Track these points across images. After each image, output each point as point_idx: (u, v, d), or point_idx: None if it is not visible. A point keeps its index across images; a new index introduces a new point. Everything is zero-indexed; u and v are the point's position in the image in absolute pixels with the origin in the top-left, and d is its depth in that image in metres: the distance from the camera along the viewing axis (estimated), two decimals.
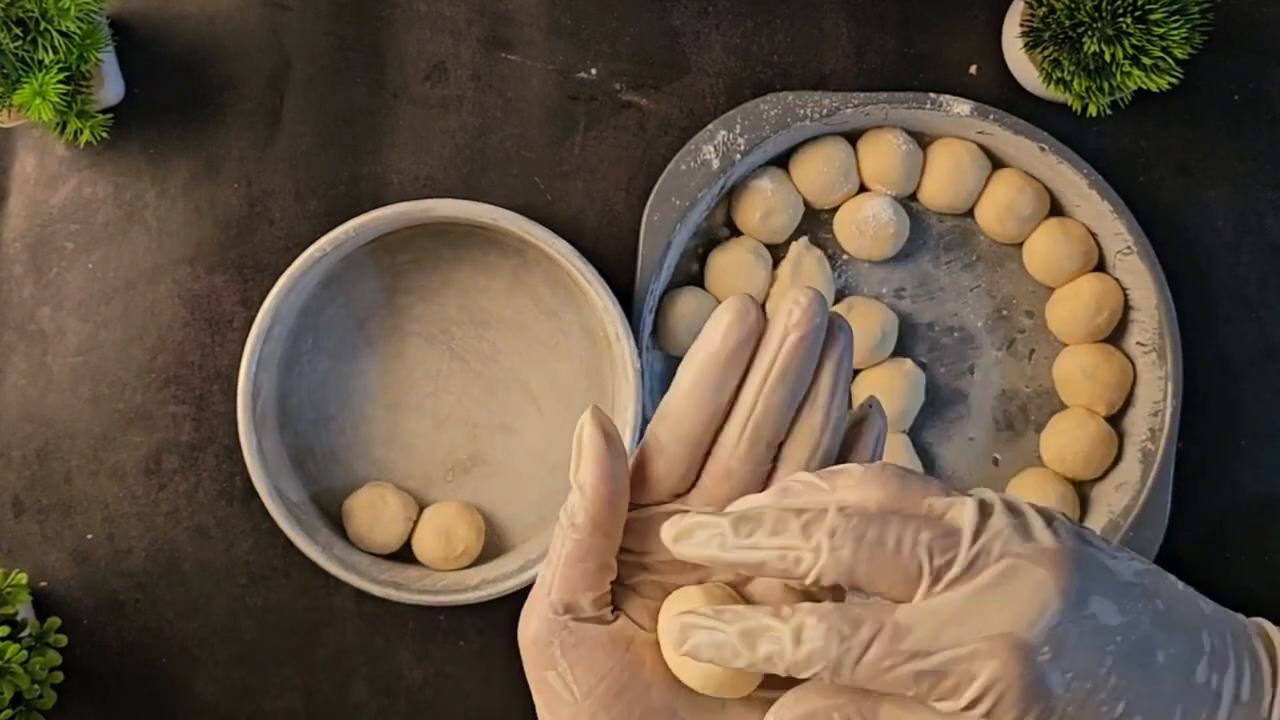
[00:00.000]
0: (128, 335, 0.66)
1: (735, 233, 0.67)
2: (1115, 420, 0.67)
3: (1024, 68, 0.66)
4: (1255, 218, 0.69)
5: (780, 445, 0.37)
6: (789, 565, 0.33)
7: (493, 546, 0.66)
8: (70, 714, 0.64)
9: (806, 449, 0.37)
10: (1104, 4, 0.60)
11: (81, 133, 0.61)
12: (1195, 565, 0.67)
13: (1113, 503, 0.65)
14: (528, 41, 0.68)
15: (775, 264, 0.66)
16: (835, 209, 0.67)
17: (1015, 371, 0.68)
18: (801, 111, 0.65)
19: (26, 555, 0.66)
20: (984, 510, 0.33)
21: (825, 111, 0.65)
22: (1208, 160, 0.69)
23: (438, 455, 0.67)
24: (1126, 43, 0.60)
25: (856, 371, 0.66)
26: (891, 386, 0.65)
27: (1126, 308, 0.67)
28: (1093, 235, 0.66)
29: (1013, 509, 0.33)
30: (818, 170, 0.66)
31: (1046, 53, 0.63)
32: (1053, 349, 0.68)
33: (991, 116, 0.65)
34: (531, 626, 0.36)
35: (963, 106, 0.65)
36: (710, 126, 0.65)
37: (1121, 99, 0.64)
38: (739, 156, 0.64)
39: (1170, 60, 0.61)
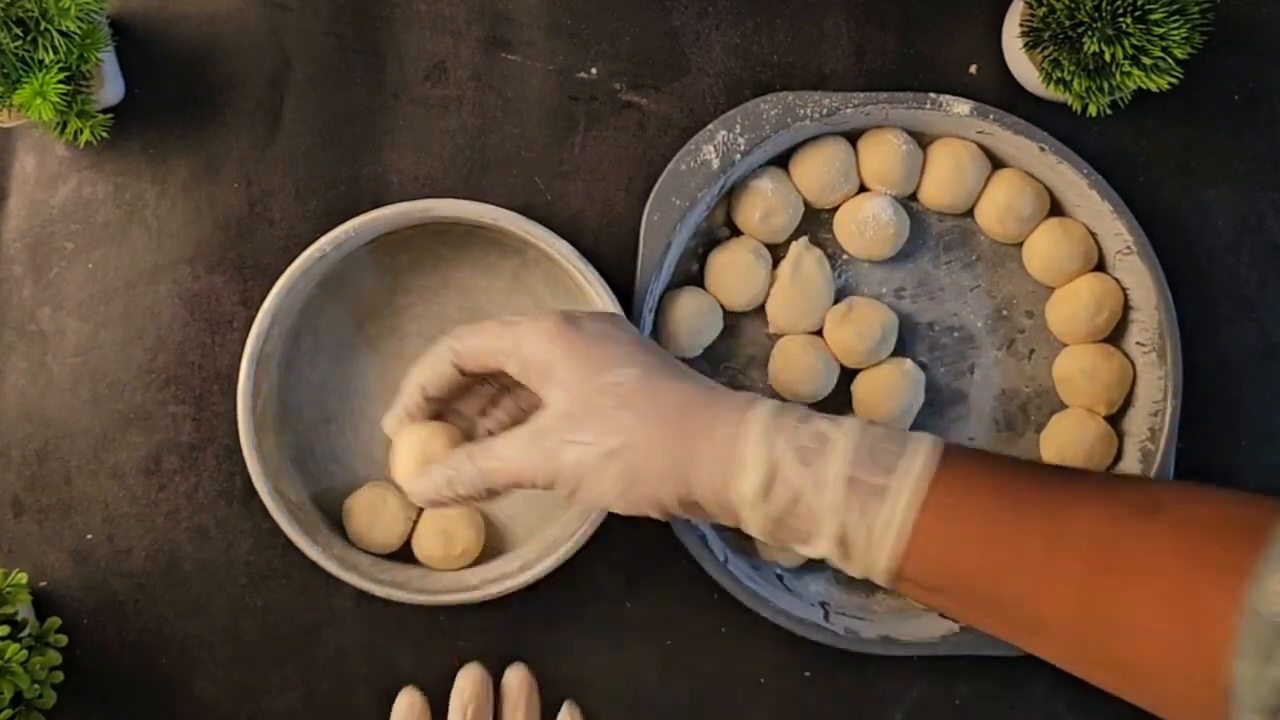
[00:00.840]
0: (127, 335, 0.66)
1: (735, 233, 0.67)
2: (1115, 420, 0.67)
3: (1024, 68, 0.66)
4: (1255, 218, 0.69)
5: None
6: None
7: (493, 546, 0.66)
8: (70, 714, 0.64)
9: None
10: (1104, 4, 0.60)
11: (81, 133, 0.61)
12: None
13: None
14: (528, 41, 0.68)
15: (775, 264, 0.66)
16: (835, 209, 0.67)
17: (1015, 371, 0.68)
18: (801, 111, 0.65)
19: (26, 555, 0.66)
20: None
21: (825, 111, 0.65)
22: (1208, 160, 0.69)
23: None
24: (1126, 43, 0.60)
25: (857, 371, 0.66)
26: (891, 386, 0.65)
27: (1126, 308, 0.66)
28: (1093, 235, 0.66)
29: None
30: (818, 170, 0.66)
31: (1046, 53, 0.63)
32: (1053, 349, 0.68)
33: (991, 116, 0.65)
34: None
35: (963, 106, 0.65)
36: (710, 126, 0.65)
37: (1121, 99, 0.64)
38: (739, 156, 0.64)
39: (1170, 60, 0.61)
